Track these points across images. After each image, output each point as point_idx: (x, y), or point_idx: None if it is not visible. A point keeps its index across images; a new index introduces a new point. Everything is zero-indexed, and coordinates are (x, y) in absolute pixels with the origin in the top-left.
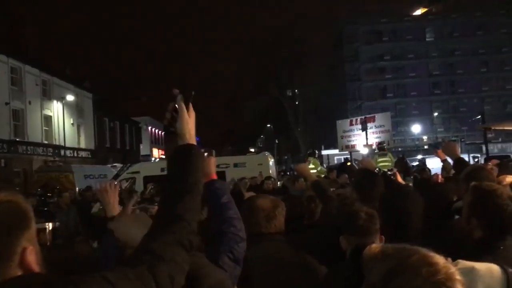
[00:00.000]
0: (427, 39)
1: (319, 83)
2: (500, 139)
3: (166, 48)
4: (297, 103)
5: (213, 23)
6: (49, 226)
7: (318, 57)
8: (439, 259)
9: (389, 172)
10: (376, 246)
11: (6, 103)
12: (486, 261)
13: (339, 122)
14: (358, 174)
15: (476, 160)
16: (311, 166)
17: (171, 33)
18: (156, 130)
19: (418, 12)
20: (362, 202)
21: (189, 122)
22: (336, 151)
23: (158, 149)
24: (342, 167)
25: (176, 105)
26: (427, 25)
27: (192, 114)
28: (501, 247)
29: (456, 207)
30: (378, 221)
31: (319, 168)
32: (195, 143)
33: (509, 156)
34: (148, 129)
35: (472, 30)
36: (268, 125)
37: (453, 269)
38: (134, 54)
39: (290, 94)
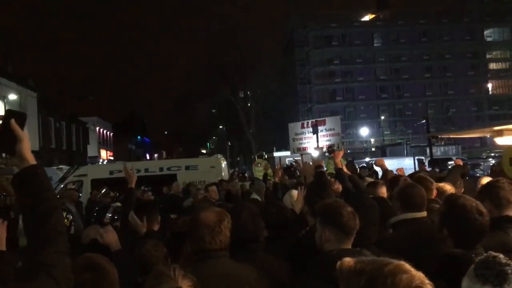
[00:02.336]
0: (374, 45)
1: (271, 85)
2: (442, 143)
3: (115, 46)
4: (249, 104)
5: (165, 21)
6: None
7: (269, 59)
8: (410, 267)
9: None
10: (349, 259)
11: None
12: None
13: (291, 125)
14: (308, 188)
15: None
16: (260, 168)
17: (121, 30)
18: (104, 131)
19: (367, 18)
20: (312, 215)
21: (27, 143)
22: (288, 153)
23: (106, 151)
24: (287, 171)
25: (12, 128)
26: (375, 31)
27: (26, 135)
28: (473, 255)
29: (390, 223)
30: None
31: (268, 171)
32: (35, 162)
33: (451, 158)
34: (95, 129)
35: (417, 37)
36: (220, 126)
37: (422, 275)
38: (82, 51)
39: (242, 95)
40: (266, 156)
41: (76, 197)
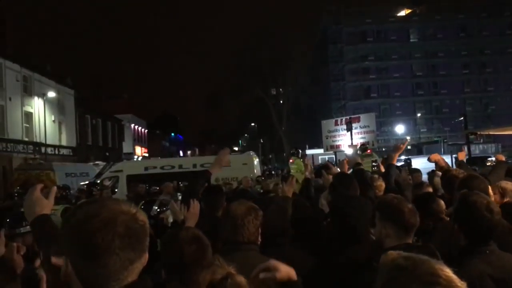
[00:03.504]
0: (410, 40)
1: (303, 83)
2: (481, 140)
3: (148, 47)
4: (281, 102)
5: (196, 23)
6: None
7: (302, 56)
8: (445, 272)
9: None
10: (392, 252)
11: None
12: (474, 264)
13: (324, 122)
14: (334, 178)
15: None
16: (294, 166)
17: (156, 30)
18: (139, 128)
19: (402, 13)
20: None
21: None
22: (321, 151)
23: (141, 147)
24: (319, 171)
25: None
26: (411, 27)
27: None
28: (487, 252)
29: None
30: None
31: (302, 169)
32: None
33: (490, 156)
34: (130, 126)
35: (455, 32)
36: (252, 124)
37: (457, 281)
38: (117, 52)
39: (274, 93)
40: (301, 153)
41: (171, 189)
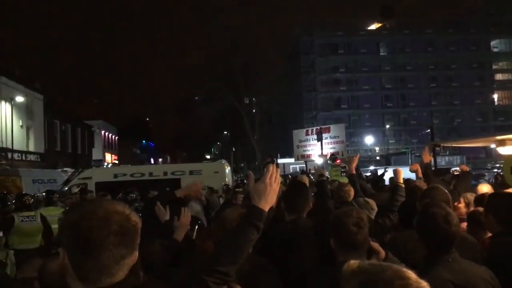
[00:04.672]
0: (380, 54)
1: (275, 92)
2: (447, 152)
3: (119, 51)
4: (253, 111)
5: (168, 27)
6: None
7: (274, 66)
8: (411, 274)
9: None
10: (354, 262)
11: None
12: (437, 272)
13: (295, 131)
14: (287, 186)
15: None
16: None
17: (127, 34)
18: (109, 134)
19: (373, 27)
20: (288, 212)
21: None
22: (292, 160)
23: (111, 154)
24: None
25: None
26: (381, 40)
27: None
28: (449, 259)
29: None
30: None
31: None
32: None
33: (455, 167)
34: (101, 133)
35: (423, 47)
36: (225, 132)
37: (424, 284)
38: (87, 56)
39: (247, 101)
40: (276, 162)
41: (200, 195)
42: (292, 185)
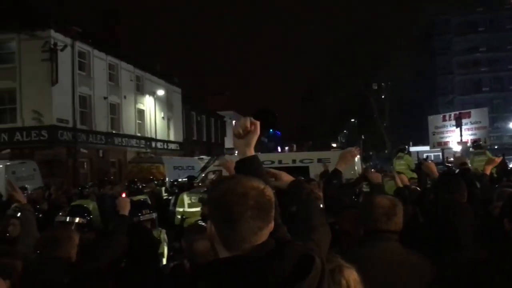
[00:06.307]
0: None
1: (406, 77)
2: None
3: (248, 45)
4: (383, 97)
5: (293, 18)
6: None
7: (404, 49)
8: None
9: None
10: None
11: (105, 98)
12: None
13: (430, 117)
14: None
15: None
16: (402, 162)
17: (253, 31)
18: None
19: None
20: None
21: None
22: (426, 148)
23: None
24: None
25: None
26: None
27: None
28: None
29: None
30: None
31: (412, 165)
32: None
33: None
34: (232, 123)
35: None
36: (352, 120)
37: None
38: (218, 51)
39: (376, 87)
40: (408, 150)
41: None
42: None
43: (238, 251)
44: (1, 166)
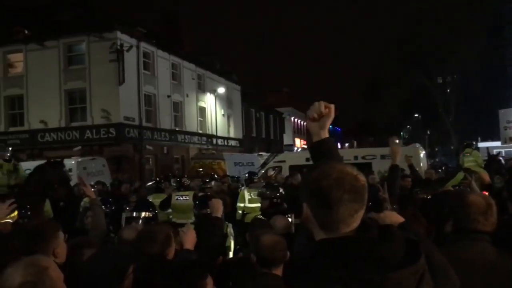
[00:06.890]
0: None
1: (474, 69)
2: None
3: (305, 41)
4: (448, 90)
5: (353, 12)
6: None
7: (471, 41)
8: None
9: None
10: None
11: (168, 96)
12: None
13: (501, 111)
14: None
15: None
16: (471, 159)
17: (311, 26)
18: (299, 121)
19: None
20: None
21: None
22: (497, 144)
23: (300, 139)
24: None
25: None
26: None
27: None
28: None
29: None
30: None
31: (480, 161)
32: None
33: None
34: (290, 119)
35: None
36: (416, 115)
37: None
38: (275, 48)
39: (441, 81)
40: (476, 146)
41: None
42: None
43: (335, 233)
44: (73, 162)
